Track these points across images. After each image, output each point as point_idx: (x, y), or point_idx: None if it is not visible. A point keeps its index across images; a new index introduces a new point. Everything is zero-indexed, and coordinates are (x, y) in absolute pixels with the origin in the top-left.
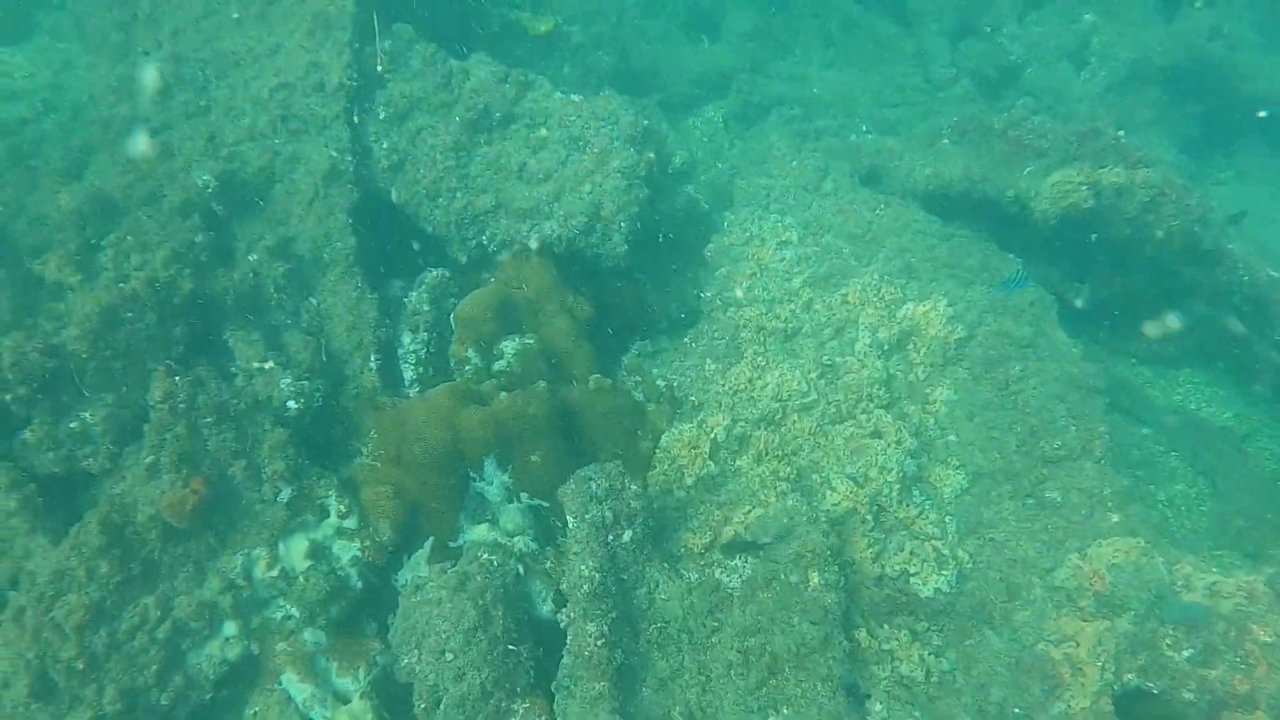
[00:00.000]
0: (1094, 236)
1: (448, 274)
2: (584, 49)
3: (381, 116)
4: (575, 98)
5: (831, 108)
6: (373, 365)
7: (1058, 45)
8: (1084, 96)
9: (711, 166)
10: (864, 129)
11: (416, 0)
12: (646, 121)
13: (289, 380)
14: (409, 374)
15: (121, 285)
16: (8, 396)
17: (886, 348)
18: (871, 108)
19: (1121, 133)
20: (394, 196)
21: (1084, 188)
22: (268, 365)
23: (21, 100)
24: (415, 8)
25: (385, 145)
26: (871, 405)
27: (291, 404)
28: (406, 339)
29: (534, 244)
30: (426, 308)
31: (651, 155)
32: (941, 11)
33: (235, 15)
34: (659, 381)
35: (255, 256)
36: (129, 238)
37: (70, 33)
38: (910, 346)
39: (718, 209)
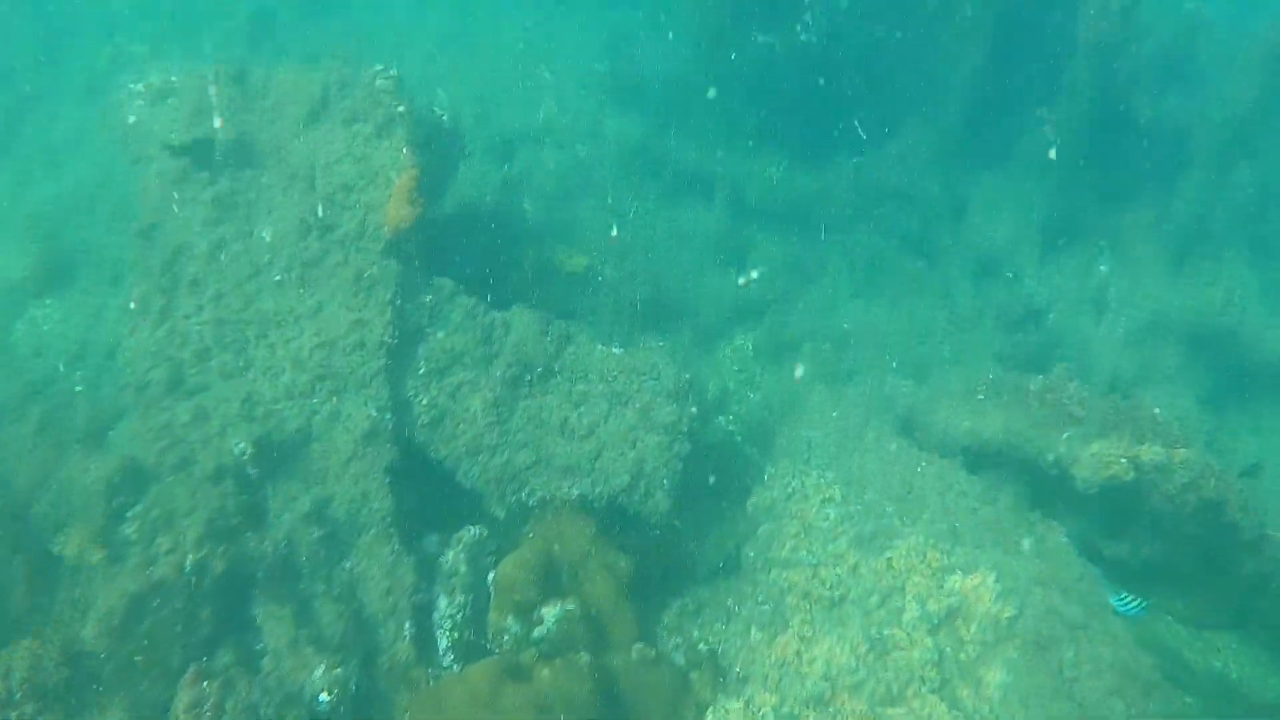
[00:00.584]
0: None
1: (485, 532)
2: (617, 285)
3: (422, 371)
4: (616, 350)
5: (862, 343)
6: (407, 634)
7: (1078, 293)
8: (1106, 344)
9: (744, 397)
10: (894, 366)
11: (454, 247)
12: (688, 375)
13: (322, 671)
14: (444, 641)
15: (148, 571)
16: (12, 715)
17: (935, 621)
18: (901, 344)
19: (1158, 410)
20: (433, 453)
21: (1124, 461)
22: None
23: (50, 353)
24: (453, 255)
25: (425, 401)
26: (924, 688)
27: (324, 697)
28: (442, 603)
29: (575, 502)
30: (463, 569)
31: (693, 410)
32: (963, 252)
33: (278, 278)
34: (701, 645)
35: (289, 517)
36: (156, 510)
37: (105, 283)
38: (959, 621)
39: (750, 441)
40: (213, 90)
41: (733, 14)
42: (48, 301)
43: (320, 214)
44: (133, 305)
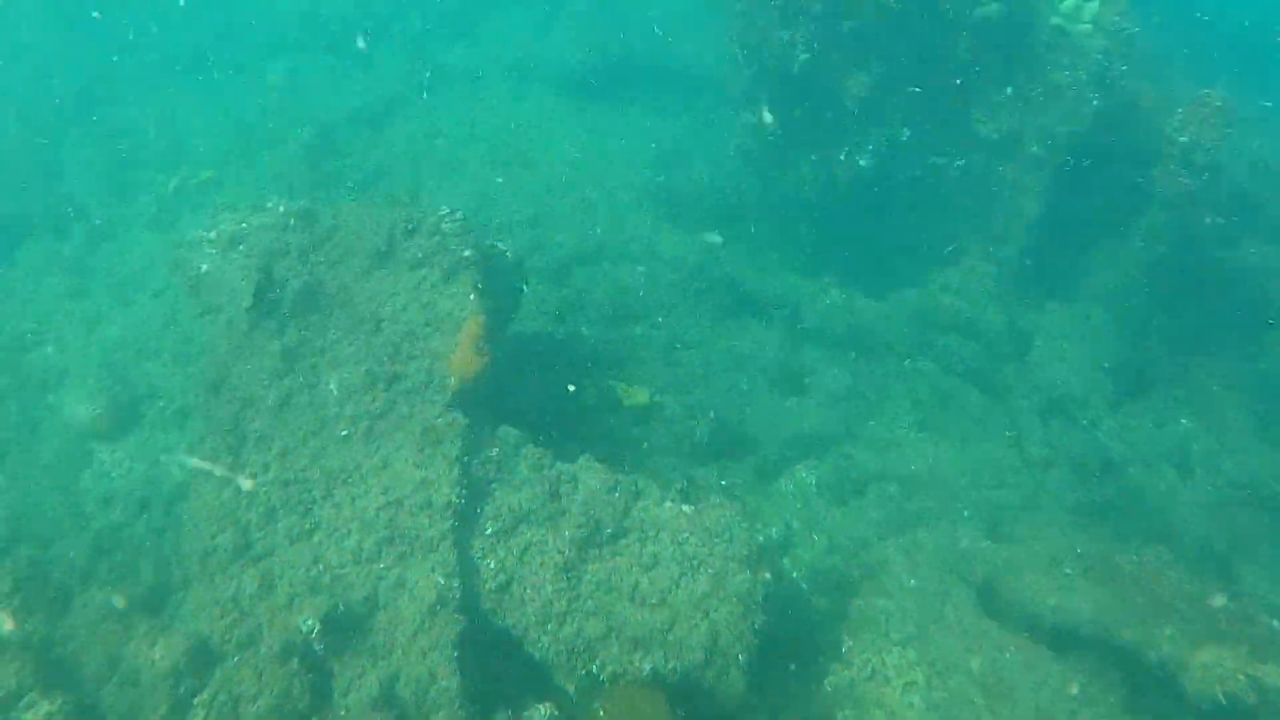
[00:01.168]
0: None
1: (555, 710)
2: (679, 419)
3: (489, 531)
4: (686, 509)
5: (929, 488)
6: None
7: (1157, 448)
8: (1193, 509)
9: (808, 538)
10: (966, 514)
11: (516, 384)
12: (761, 537)
13: None
14: None
15: None
16: None
17: None
18: (970, 489)
19: (1277, 623)
20: (500, 621)
21: (1243, 679)
22: None
23: (119, 502)
24: (516, 391)
25: (492, 564)
26: None
27: None
28: None
29: (647, 677)
30: None
31: (768, 575)
32: (1030, 390)
33: (344, 432)
34: None
35: (354, 699)
36: (223, 695)
37: (171, 427)
38: None
39: (819, 590)
40: (284, 237)
41: (789, 134)
42: (115, 447)
43: (386, 365)
44: (197, 463)
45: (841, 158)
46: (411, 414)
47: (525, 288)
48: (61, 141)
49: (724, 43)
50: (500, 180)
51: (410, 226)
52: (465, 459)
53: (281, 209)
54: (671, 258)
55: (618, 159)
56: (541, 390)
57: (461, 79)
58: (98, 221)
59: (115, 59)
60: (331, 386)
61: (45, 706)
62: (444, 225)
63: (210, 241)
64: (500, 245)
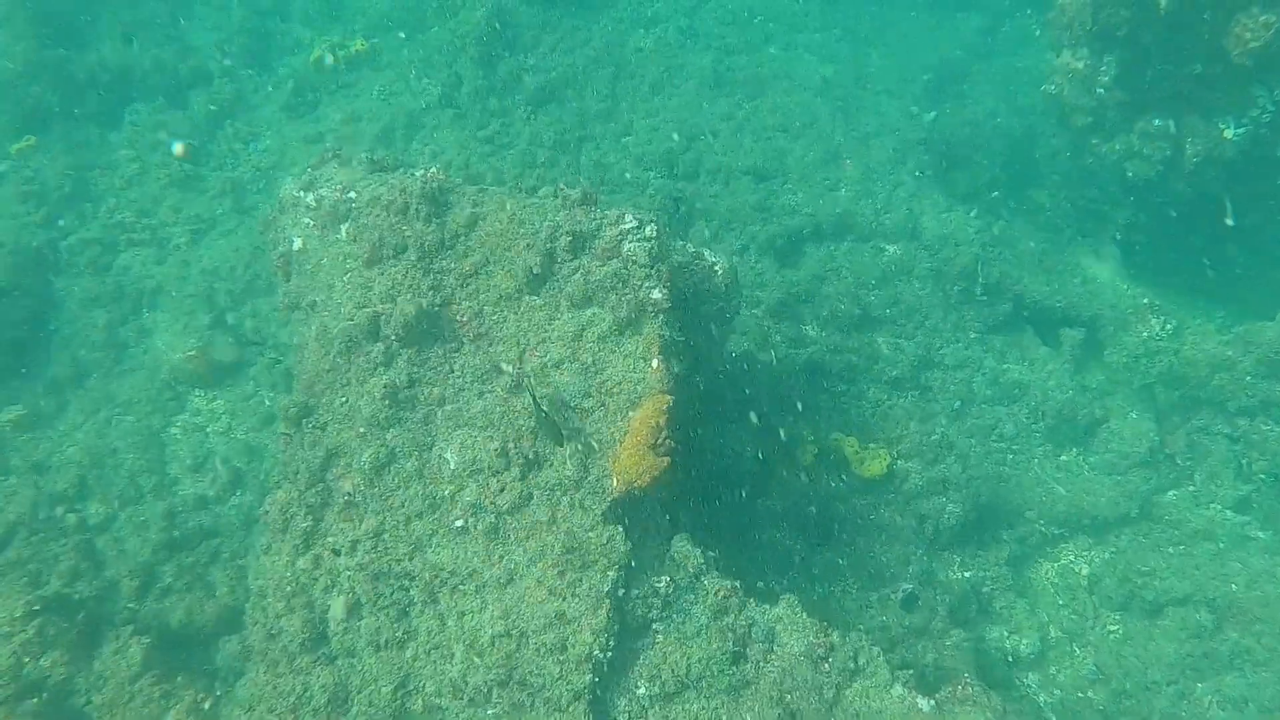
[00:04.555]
0: None
1: None
2: (922, 493)
3: (640, 692)
4: (923, 703)
5: (1253, 618)
6: None
7: None
8: None
9: (1068, 652)
10: None
11: (700, 495)
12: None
13: None
14: None
15: None
16: None
17: None
18: None
19: None
20: None
21: None
22: None
23: (210, 471)
24: (698, 467)
25: None
26: None
27: None
28: None
29: None
30: None
31: None
32: None
33: (459, 523)
34: None
35: None
36: None
37: (279, 382)
38: None
39: None
40: (403, 225)
41: (1131, 89)
42: (212, 396)
43: (525, 441)
44: (269, 511)
45: (1201, 128)
46: (553, 519)
47: (737, 316)
48: None
49: None
50: (721, 108)
51: (577, 239)
52: (620, 593)
53: (402, 189)
54: (934, 238)
55: (878, 83)
56: (736, 444)
57: None
58: (223, 90)
59: None
60: (448, 456)
61: None
62: (627, 246)
63: (309, 208)
64: (708, 256)
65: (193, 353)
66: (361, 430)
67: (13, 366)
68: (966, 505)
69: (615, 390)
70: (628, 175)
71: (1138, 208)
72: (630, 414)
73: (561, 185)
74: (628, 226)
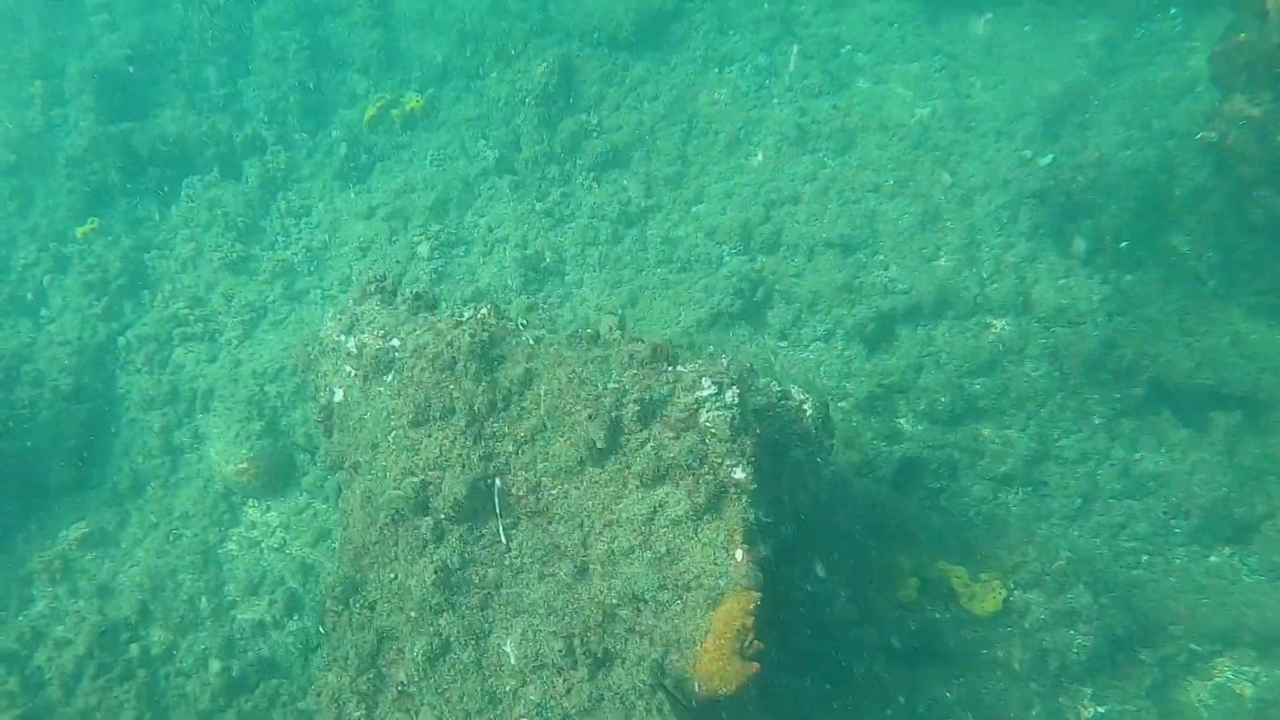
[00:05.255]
0: None
1: None
2: (1046, 626)
3: None
4: None
5: None
6: None
7: None
8: None
9: None
10: None
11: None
12: None
13: None
14: None
15: None
16: None
17: None
18: None
19: None
20: None
21: None
22: None
23: (266, 592)
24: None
25: None
26: None
27: None
28: None
29: None
30: None
31: None
32: None
33: None
34: None
35: None
36: None
37: (334, 494)
38: None
39: None
40: (450, 381)
41: None
42: (266, 507)
43: (593, 636)
44: (320, 696)
45: None
46: None
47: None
48: (248, 27)
49: None
50: (804, 167)
51: (647, 402)
52: None
53: (452, 338)
54: (1050, 310)
55: (984, 121)
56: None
57: None
58: (276, 160)
59: None
60: (508, 649)
61: None
62: (704, 416)
63: (350, 356)
64: (795, 394)
65: (244, 465)
66: (413, 614)
67: (78, 478)
68: (1099, 638)
69: (694, 584)
70: (697, 252)
71: None
72: (711, 612)
73: (630, 336)
74: (705, 394)
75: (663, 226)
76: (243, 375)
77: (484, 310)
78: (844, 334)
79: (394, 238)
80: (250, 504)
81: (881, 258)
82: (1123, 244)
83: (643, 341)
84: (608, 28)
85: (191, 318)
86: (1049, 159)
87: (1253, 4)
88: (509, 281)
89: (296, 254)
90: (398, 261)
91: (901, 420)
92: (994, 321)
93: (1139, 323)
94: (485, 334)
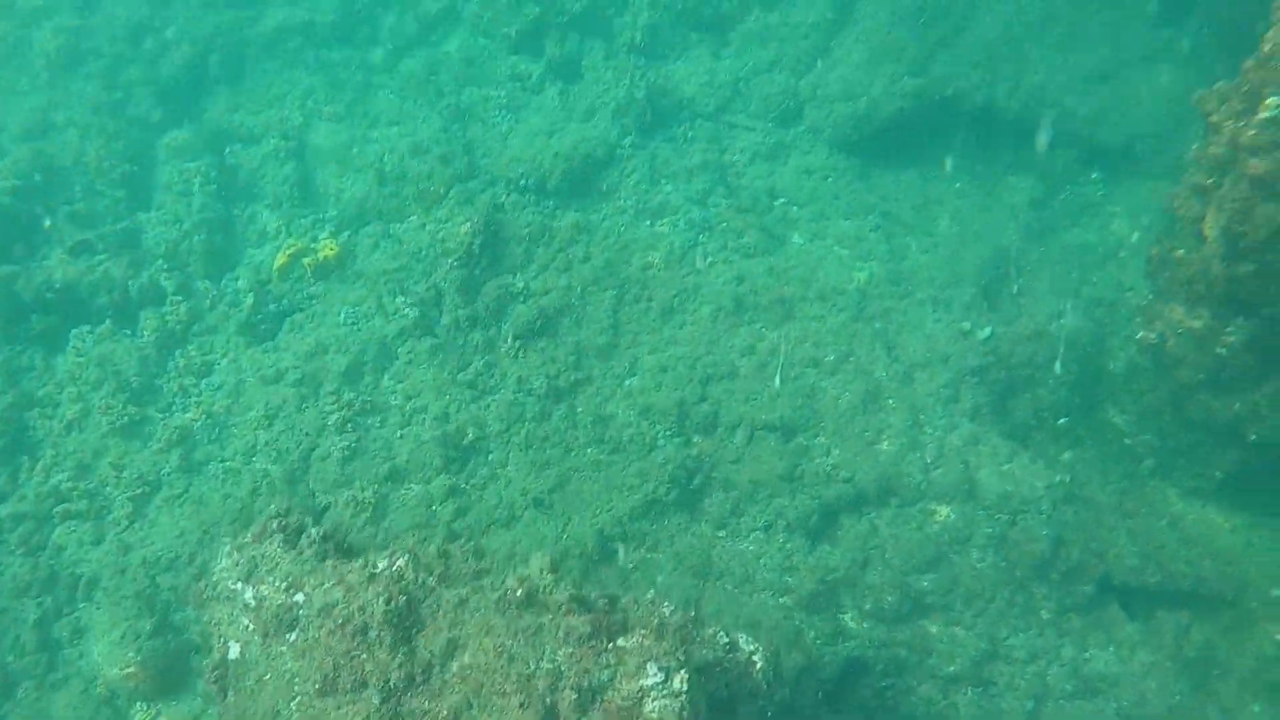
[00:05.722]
0: None
1: None
2: None
3: None
4: None
5: None
6: None
7: None
8: None
9: None
10: None
11: None
12: None
13: None
14: None
15: None
16: None
17: None
18: None
19: None
20: None
21: None
22: None
23: None
24: None
25: None
26: None
27: None
28: None
29: None
30: None
31: None
32: None
33: None
34: None
35: None
36: None
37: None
38: None
39: None
40: (362, 649)
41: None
42: (156, 711)
43: None
44: None
45: None
46: None
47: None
48: (150, 157)
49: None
50: (741, 339)
51: (585, 696)
52: None
53: (359, 590)
54: (995, 497)
55: (922, 287)
56: None
57: (697, 113)
58: (175, 309)
59: (240, 17)
60: None
61: None
62: (651, 706)
63: (248, 608)
64: (744, 645)
65: (131, 669)
66: None
67: None
68: None
69: None
70: (630, 432)
71: (1255, 454)
72: None
73: (564, 604)
74: (650, 682)
75: (594, 402)
76: (132, 564)
77: (400, 562)
78: (785, 526)
79: (304, 405)
80: (138, 708)
81: (823, 440)
82: (1061, 420)
83: (580, 613)
84: (536, 175)
85: (75, 492)
86: (987, 332)
87: (1188, 218)
88: (428, 459)
89: (196, 419)
90: (306, 434)
91: (846, 617)
92: (939, 509)
93: (1083, 510)
94: (402, 597)
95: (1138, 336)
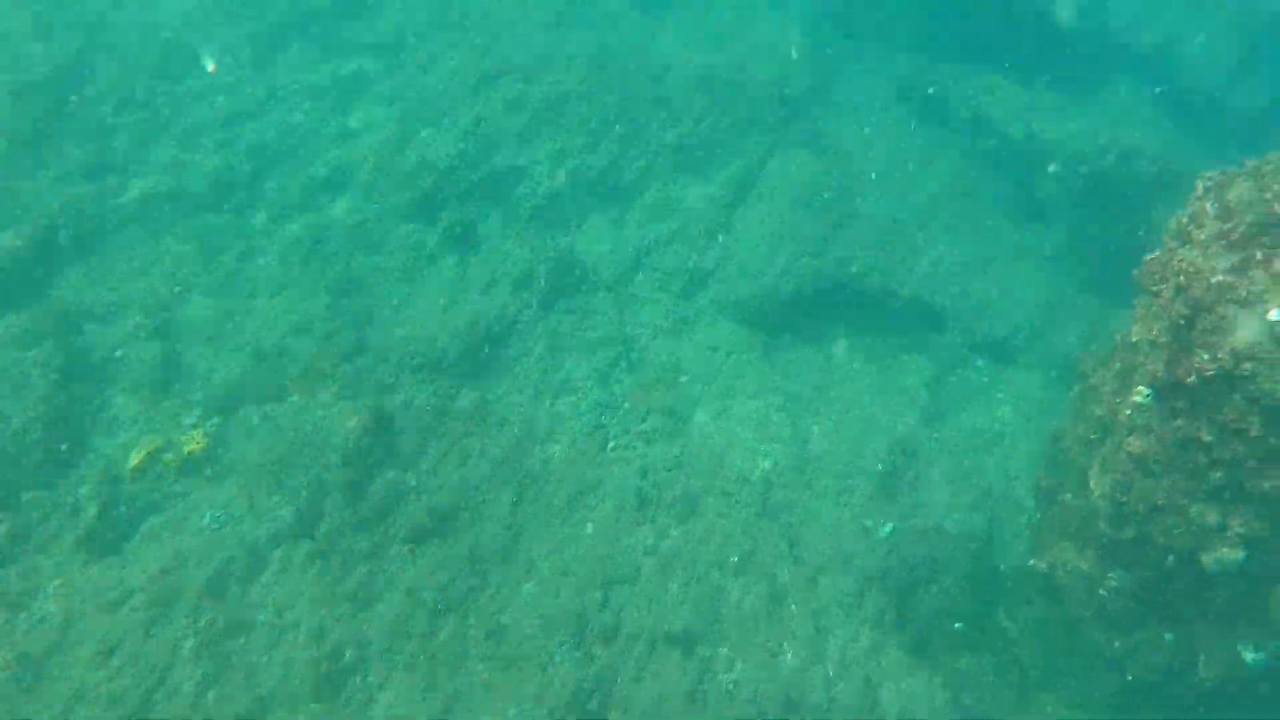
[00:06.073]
0: None
1: None
2: None
3: None
4: None
5: None
6: None
7: None
8: None
9: None
10: None
11: None
12: None
13: None
14: None
15: None
16: None
17: None
18: None
19: None
20: None
21: None
22: None
23: None
24: None
25: None
26: None
27: None
28: None
29: None
30: None
31: None
32: None
33: None
34: None
35: None
36: None
37: None
38: None
39: None
40: None
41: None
42: None
43: None
44: None
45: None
46: None
47: None
48: None
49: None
50: (645, 536)
51: None
52: None
53: None
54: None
55: (824, 476)
56: None
57: (599, 283)
58: (11, 514)
59: (99, 188)
60: None
61: None
62: None
63: None
64: None
65: None
66: None
67: None
68: None
69: None
70: (526, 647)
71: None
72: None
73: None
74: None
75: (487, 612)
76: None
77: None
78: None
79: (151, 632)
80: None
81: (726, 652)
82: (956, 625)
83: None
84: (431, 354)
85: None
86: (889, 528)
87: (1076, 467)
88: (297, 685)
89: (6, 663)
90: (153, 669)
91: None
92: None
93: None
94: None
95: (1029, 563)
